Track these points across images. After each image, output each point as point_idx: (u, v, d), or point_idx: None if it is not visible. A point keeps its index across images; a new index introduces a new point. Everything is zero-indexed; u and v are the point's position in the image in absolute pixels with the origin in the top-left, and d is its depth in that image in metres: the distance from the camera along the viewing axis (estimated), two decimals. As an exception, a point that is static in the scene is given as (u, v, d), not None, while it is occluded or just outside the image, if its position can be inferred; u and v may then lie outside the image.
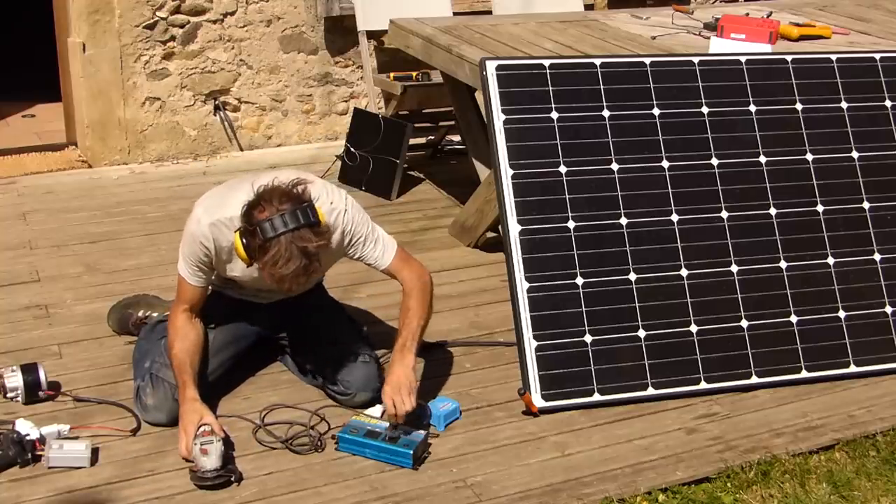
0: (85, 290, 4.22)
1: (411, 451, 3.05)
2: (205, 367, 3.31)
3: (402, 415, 3.12)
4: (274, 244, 2.88)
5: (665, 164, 3.73)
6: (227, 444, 3.08)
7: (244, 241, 2.95)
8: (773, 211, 3.76)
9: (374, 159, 5.32)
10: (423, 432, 3.14)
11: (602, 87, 3.77)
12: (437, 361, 3.71)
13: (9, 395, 3.35)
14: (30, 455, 3.03)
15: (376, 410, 3.29)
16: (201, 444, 2.95)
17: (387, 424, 3.15)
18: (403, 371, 3.17)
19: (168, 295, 3.93)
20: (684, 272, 3.62)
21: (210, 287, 3.33)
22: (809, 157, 3.85)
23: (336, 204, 3.16)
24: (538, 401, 3.38)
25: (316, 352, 3.44)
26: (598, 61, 3.84)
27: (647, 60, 3.89)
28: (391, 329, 3.88)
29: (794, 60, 3.98)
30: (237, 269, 3.19)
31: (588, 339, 3.48)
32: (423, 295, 3.28)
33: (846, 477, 3.13)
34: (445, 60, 4.50)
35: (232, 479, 2.97)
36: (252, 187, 3.00)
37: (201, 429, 3.04)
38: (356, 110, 5.61)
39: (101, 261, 4.50)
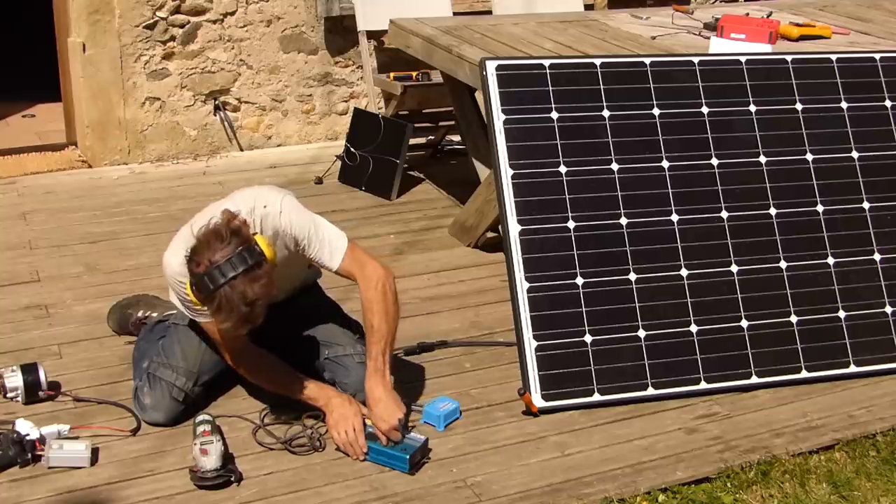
0: (85, 290, 4.22)
1: (407, 456, 3.04)
2: (203, 367, 3.31)
3: (399, 440, 3.11)
4: (215, 298, 2.86)
5: (665, 164, 3.73)
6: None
7: (195, 292, 2.94)
8: (773, 211, 3.76)
9: (374, 159, 5.32)
10: (423, 437, 3.13)
11: (602, 87, 3.78)
12: (437, 361, 3.71)
13: (9, 395, 3.35)
14: (30, 455, 3.03)
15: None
16: (201, 445, 2.96)
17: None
18: (388, 396, 3.15)
19: (167, 295, 3.93)
20: (684, 272, 3.62)
21: None
22: (809, 157, 3.85)
23: (270, 207, 3.09)
24: (538, 401, 3.38)
25: (313, 353, 3.43)
26: (598, 61, 3.85)
27: (647, 60, 3.89)
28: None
29: (794, 60, 3.98)
30: None
31: (588, 339, 3.48)
32: (384, 305, 3.15)
33: (846, 477, 3.13)
34: (445, 60, 4.50)
35: (232, 479, 2.97)
36: (192, 230, 2.97)
37: (200, 428, 3.05)
38: (356, 110, 5.61)
39: (101, 261, 4.50)
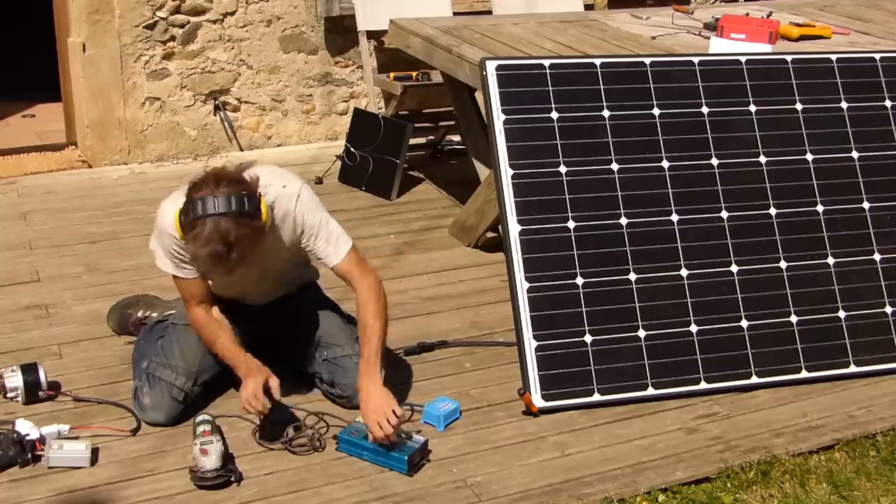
0: (85, 290, 4.22)
1: (406, 457, 3.04)
2: (203, 366, 3.31)
3: (391, 434, 3.07)
4: (199, 224, 2.89)
5: (665, 164, 3.73)
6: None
7: (181, 217, 2.97)
8: (773, 211, 3.76)
9: (374, 159, 5.31)
10: (422, 438, 3.13)
11: (602, 87, 3.78)
12: (437, 361, 3.72)
13: (9, 395, 3.35)
14: (30, 455, 3.03)
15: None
16: (201, 445, 2.96)
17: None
18: (379, 392, 3.13)
19: (168, 295, 3.94)
20: (684, 272, 3.62)
21: None
22: (809, 157, 3.85)
23: (289, 189, 3.15)
24: (538, 401, 3.38)
25: (311, 354, 3.43)
26: (598, 61, 3.85)
27: (647, 60, 3.89)
28: (391, 329, 3.88)
29: (794, 60, 3.99)
30: None
31: (588, 339, 3.48)
32: (378, 307, 3.21)
33: (846, 477, 3.13)
34: (445, 60, 4.50)
35: (232, 478, 2.97)
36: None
37: (200, 428, 3.05)
38: (356, 110, 5.61)
39: (101, 261, 4.50)
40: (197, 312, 3.26)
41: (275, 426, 3.15)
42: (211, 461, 2.94)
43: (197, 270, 3.07)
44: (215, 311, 3.29)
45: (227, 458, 3.01)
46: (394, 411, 3.08)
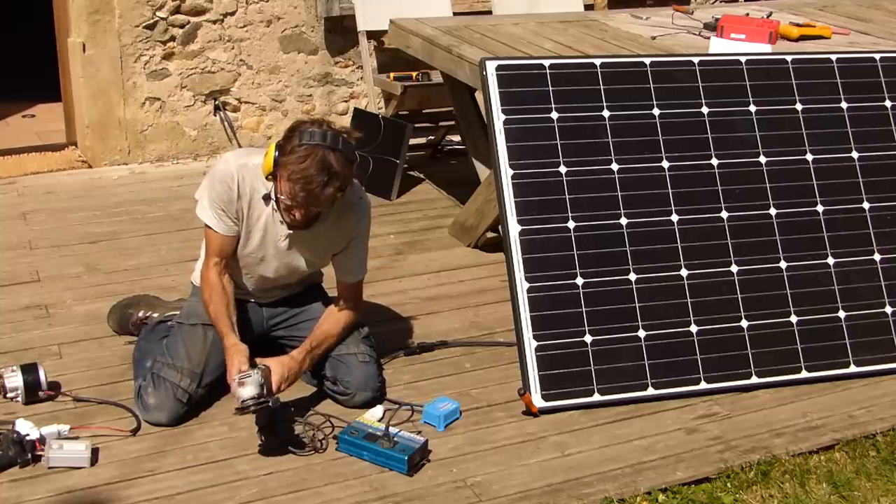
0: (85, 290, 4.22)
1: (406, 457, 3.04)
2: (207, 368, 3.31)
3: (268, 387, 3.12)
4: (306, 149, 3.00)
5: (665, 164, 3.73)
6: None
7: (279, 143, 3.07)
8: (773, 211, 3.76)
9: (374, 159, 5.29)
10: (422, 438, 3.13)
11: (602, 87, 3.78)
12: (437, 361, 3.72)
13: (9, 395, 3.35)
14: (30, 455, 3.03)
15: (377, 412, 3.30)
16: (239, 380, 3.04)
17: (385, 428, 3.14)
18: (297, 365, 3.25)
19: (168, 295, 3.95)
20: (684, 272, 3.62)
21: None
22: (809, 157, 3.85)
23: (364, 200, 3.35)
24: (538, 401, 3.38)
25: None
26: (598, 61, 3.85)
27: (647, 60, 3.89)
28: (391, 329, 3.90)
29: (794, 60, 3.99)
30: (254, 225, 3.25)
31: (588, 339, 3.48)
32: (343, 335, 3.38)
33: (846, 477, 3.13)
34: (445, 60, 4.50)
35: (270, 404, 3.04)
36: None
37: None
38: (356, 110, 5.61)
39: (101, 261, 4.50)
40: (211, 270, 3.30)
41: (277, 426, 3.15)
42: (247, 391, 3.02)
43: (289, 197, 3.09)
44: (227, 279, 3.32)
45: (266, 390, 3.06)
46: (289, 374, 3.20)
